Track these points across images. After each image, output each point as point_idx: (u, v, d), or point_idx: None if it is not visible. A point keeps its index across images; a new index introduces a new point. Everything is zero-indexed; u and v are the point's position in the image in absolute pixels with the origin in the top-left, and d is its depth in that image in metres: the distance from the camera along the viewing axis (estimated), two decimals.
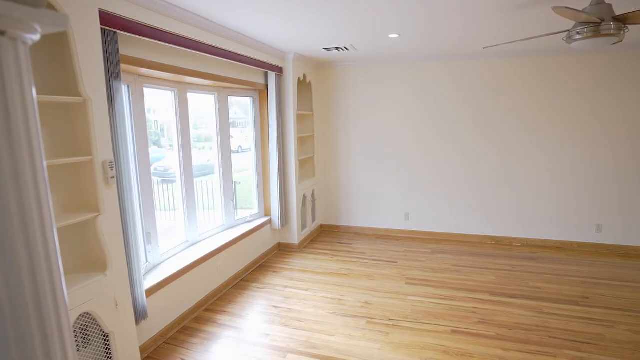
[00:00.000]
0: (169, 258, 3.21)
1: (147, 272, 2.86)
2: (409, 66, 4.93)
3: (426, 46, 4.08)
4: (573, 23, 2.47)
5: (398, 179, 5.22)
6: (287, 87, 4.51)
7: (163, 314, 2.84)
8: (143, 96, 2.91)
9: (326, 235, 5.40)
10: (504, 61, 4.61)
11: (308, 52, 4.39)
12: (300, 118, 4.97)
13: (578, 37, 2.31)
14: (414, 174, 5.15)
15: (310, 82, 5.06)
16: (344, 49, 4.14)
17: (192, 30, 2.87)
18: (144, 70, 2.74)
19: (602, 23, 2.23)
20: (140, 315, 2.30)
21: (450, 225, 5.11)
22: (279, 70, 4.38)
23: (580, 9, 2.17)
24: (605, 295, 3.49)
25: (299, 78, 4.70)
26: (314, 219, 5.40)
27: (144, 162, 2.92)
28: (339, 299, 3.47)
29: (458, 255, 4.51)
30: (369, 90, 5.14)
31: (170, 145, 3.64)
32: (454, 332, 2.91)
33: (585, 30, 2.28)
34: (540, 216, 4.79)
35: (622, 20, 2.24)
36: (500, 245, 4.89)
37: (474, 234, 5.04)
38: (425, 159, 5.07)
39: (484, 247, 4.83)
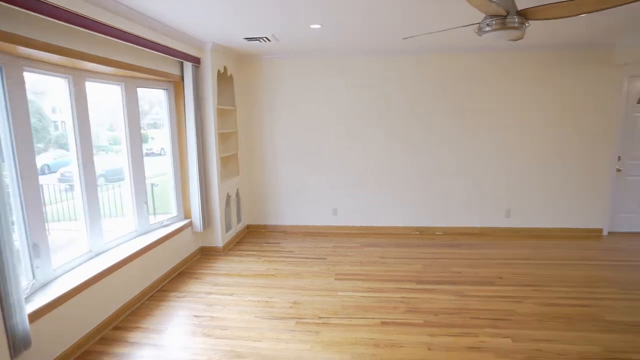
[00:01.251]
0: (66, 272, 2.76)
1: (34, 292, 2.41)
2: (335, 60, 4.90)
3: (351, 39, 4.07)
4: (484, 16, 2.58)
5: (325, 175, 5.18)
6: (205, 80, 4.20)
7: (56, 340, 2.42)
8: (23, 82, 2.44)
9: (253, 236, 5.17)
10: (424, 57, 4.79)
11: (228, 42, 4.13)
12: (221, 113, 4.67)
13: (487, 28, 2.41)
14: (341, 169, 5.14)
15: (231, 75, 4.78)
16: (265, 39, 3.96)
17: (86, 7, 2.48)
18: (23, 50, 2.29)
19: (508, 16, 2.35)
20: (20, 345, 1.89)
21: (378, 218, 5.20)
22: (196, 61, 4.05)
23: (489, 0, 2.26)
24: (515, 274, 3.77)
25: (218, 70, 4.41)
26: (239, 220, 5.14)
27: (28, 163, 2.45)
28: (267, 302, 3.29)
29: (386, 247, 4.59)
30: (295, 85, 5.02)
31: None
32: (383, 323, 2.90)
33: (494, 22, 2.38)
34: (459, 205, 5.08)
35: (524, 15, 2.38)
36: (424, 235, 5.08)
37: (400, 225, 5.19)
38: (352, 154, 5.10)
39: (410, 237, 4.98)
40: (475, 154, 4.96)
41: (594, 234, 5.00)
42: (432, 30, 3.66)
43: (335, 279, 3.71)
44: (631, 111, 4.85)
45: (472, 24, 2.49)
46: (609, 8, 2.00)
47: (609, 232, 5.08)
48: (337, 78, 4.95)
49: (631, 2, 1.90)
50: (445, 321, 2.92)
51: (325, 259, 4.26)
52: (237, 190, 5.04)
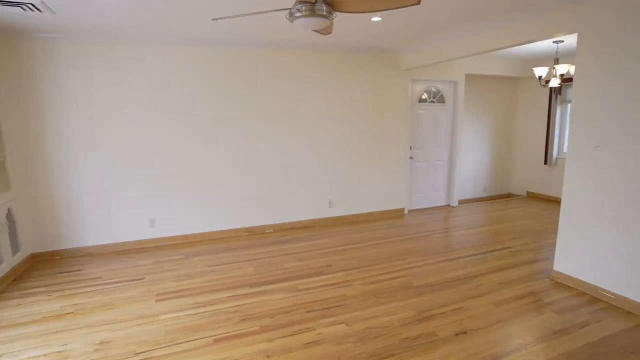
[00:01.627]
0: None
1: None
2: (133, 48, 4.19)
3: (152, 21, 3.50)
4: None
5: (139, 182, 4.42)
6: None
7: None
8: None
9: (42, 267, 3.98)
10: (237, 51, 4.59)
11: None
12: None
13: (298, 14, 2.35)
14: (157, 174, 4.47)
15: None
16: (30, 6, 3.01)
17: None
18: None
19: (317, 3, 2.34)
20: None
21: (203, 223, 4.75)
22: None
23: None
24: (342, 259, 3.98)
25: None
26: (17, 249, 3.88)
27: None
28: (59, 352, 2.49)
29: (214, 254, 4.21)
30: (92, 73, 4.07)
31: None
32: (216, 341, 2.55)
33: (304, 8, 2.34)
34: (286, 201, 5.12)
35: (331, 5, 2.42)
36: (254, 235, 4.92)
37: (229, 228, 4.88)
38: (169, 155, 4.49)
39: (239, 240, 4.73)
40: (298, 151, 5.08)
41: (399, 214, 5.83)
42: (243, 13, 3.49)
43: (157, 301, 3.14)
44: (415, 108, 5.84)
45: (284, 9, 2.40)
46: (409, 6, 2.18)
47: (409, 210, 6.02)
48: (149, 69, 4.26)
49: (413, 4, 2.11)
50: (282, 321, 2.78)
51: (143, 278, 3.59)
52: (9, 210, 3.77)
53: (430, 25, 3.89)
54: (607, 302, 3.03)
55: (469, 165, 6.80)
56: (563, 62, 5.84)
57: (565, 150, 6.46)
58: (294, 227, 5.20)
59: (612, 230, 3.00)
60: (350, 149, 5.37)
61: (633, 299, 2.90)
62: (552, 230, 4.95)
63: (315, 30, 2.91)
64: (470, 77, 6.39)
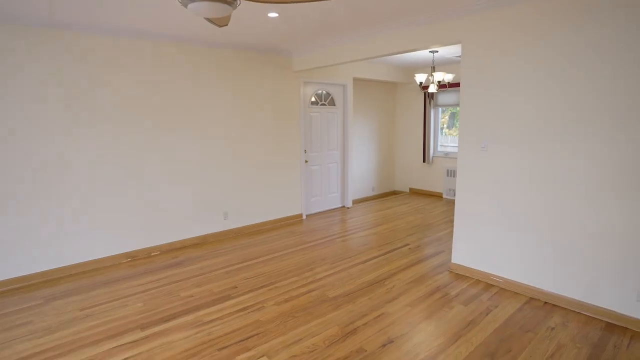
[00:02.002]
0: None
1: None
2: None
3: None
4: None
5: None
6: None
7: None
8: None
9: None
10: (125, 43, 3.78)
11: None
12: None
13: None
14: None
15: None
16: None
17: None
18: None
19: None
20: None
21: (72, 253, 3.80)
22: None
23: None
24: (248, 278, 3.60)
25: None
26: None
27: None
28: None
29: (87, 293, 3.37)
30: None
31: None
32: None
33: None
34: (175, 217, 4.46)
35: None
36: (138, 260, 4.15)
37: (105, 256, 4.00)
38: (28, 169, 3.44)
39: (120, 268, 3.92)
40: (187, 159, 4.47)
41: (297, 220, 5.66)
42: None
43: None
44: (308, 111, 5.75)
45: None
46: (318, 0, 1.95)
47: (307, 215, 5.90)
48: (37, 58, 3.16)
49: None
50: None
51: None
52: None
53: (325, 27, 3.79)
54: (498, 286, 3.34)
55: (359, 166, 7.05)
56: (438, 70, 6.47)
57: (439, 149, 7.20)
58: (185, 245, 4.57)
59: (495, 223, 3.32)
60: (245, 155, 4.98)
61: (516, 280, 3.24)
62: (438, 223, 5.39)
63: (210, 20, 2.50)
64: (356, 82, 6.61)
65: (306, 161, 5.77)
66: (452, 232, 4.91)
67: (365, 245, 4.51)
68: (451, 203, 6.59)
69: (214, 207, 4.77)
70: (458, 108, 6.74)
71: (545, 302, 3.04)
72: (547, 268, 3.04)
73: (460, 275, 3.61)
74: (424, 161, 7.21)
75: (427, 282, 3.47)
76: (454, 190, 6.86)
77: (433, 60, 5.62)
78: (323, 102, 5.94)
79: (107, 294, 3.33)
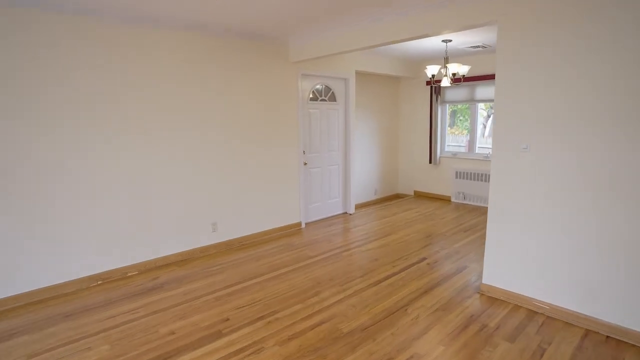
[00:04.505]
0: None
1: None
2: None
3: None
4: None
5: None
6: None
7: None
8: None
9: None
10: (73, 21, 3.13)
11: None
12: None
13: None
14: None
15: None
16: None
17: None
18: None
19: None
20: None
21: (22, 279, 3.14)
22: None
23: None
24: (243, 306, 2.99)
25: None
26: None
27: None
28: None
29: (42, 330, 2.72)
30: None
31: None
32: None
33: None
34: (154, 230, 3.83)
35: None
36: (110, 283, 3.50)
37: (67, 280, 3.35)
38: None
39: (86, 295, 3.27)
40: (168, 164, 3.84)
41: (296, 229, 5.05)
42: None
43: None
44: (306, 107, 5.15)
45: None
46: None
47: (306, 224, 5.30)
48: None
49: None
50: None
51: None
52: None
53: (329, 7, 3.20)
54: (543, 314, 2.79)
55: (360, 167, 6.47)
56: (452, 62, 5.92)
57: (446, 149, 6.67)
58: (167, 263, 3.93)
59: (540, 236, 2.77)
60: (236, 157, 4.36)
61: (567, 308, 2.70)
62: (452, 232, 4.85)
63: None
64: (356, 76, 6.03)
65: (305, 163, 5.18)
66: (470, 242, 4.37)
67: (376, 260, 3.93)
68: (462, 208, 6.07)
69: (201, 217, 4.14)
70: (465, 105, 6.23)
71: (608, 337, 2.50)
72: (608, 294, 2.50)
73: (494, 299, 3.05)
74: (430, 162, 6.66)
75: (456, 308, 2.91)
76: (463, 194, 6.34)
77: (446, 51, 5.07)
78: (323, 98, 5.34)
79: (67, 331, 2.68)
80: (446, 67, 4.69)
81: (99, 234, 3.47)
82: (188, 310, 2.95)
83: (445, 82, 4.80)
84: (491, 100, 5.86)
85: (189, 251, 4.08)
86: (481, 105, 6.16)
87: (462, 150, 6.53)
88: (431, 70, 4.69)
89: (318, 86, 5.25)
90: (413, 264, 3.80)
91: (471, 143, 6.29)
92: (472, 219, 5.45)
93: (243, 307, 2.99)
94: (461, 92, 6.19)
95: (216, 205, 4.25)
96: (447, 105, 6.52)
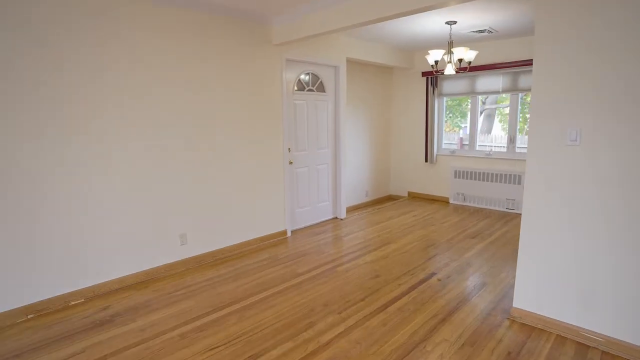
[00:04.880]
0: None
1: None
2: None
3: None
4: None
5: None
6: None
7: None
8: None
9: None
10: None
11: None
12: None
13: None
14: None
15: None
16: None
17: None
18: None
19: None
20: None
21: None
22: None
23: None
24: (216, 346, 2.30)
25: None
26: None
27: None
28: None
29: None
30: None
31: None
32: None
33: None
34: (105, 246, 3.09)
35: None
36: (46, 316, 2.75)
37: None
38: None
39: (12, 335, 2.52)
40: (127, 164, 3.11)
41: (280, 239, 4.39)
42: None
43: None
44: (292, 98, 4.49)
45: None
46: None
47: (292, 232, 4.64)
48: None
49: None
50: None
51: None
52: None
53: None
54: (597, 348, 2.23)
55: (351, 167, 5.86)
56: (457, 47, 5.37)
57: (444, 146, 6.13)
58: (123, 286, 3.20)
59: (590, 252, 2.21)
60: (210, 157, 3.67)
61: (627, 341, 2.15)
62: (458, 239, 4.28)
63: None
64: (347, 65, 5.41)
65: (290, 162, 4.51)
66: (481, 252, 3.80)
67: (377, 277, 3.31)
68: (462, 210, 5.53)
69: (166, 228, 3.43)
70: (455, 100, 5.68)
71: None
72: None
73: (531, 327, 2.48)
74: (426, 160, 6.11)
75: (487, 342, 2.31)
76: (463, 195, 5.81)
77: (450, 34, 4.50)
78: (310, 88, 4.69)
79: None
80: (451, 52, 4.12)
81: (32, 253, 2.72)
82: (144, 355, 2.25)
83: (450, 70, 4.23)
84: (495, 93, 5.35)
85: (152, 270, 3.36)
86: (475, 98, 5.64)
87: (455, 148, 6.00)
88: (434, 55, 4.11)
89: (304, 76, 4.59)
90: (422, 281, 3.20)
91: (471, 139, 5.77)
92: (476, 222, 4.92)
93: (216, 347, 2.31)
94: (460, 83, 5.66)
95: (186, 213, 3.54)
96: (445, 98, 5.98)
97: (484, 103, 5.81)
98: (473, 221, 5.00)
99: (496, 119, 5.90)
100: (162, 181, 3.34)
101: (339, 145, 5.07)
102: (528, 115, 5.12)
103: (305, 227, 4.82)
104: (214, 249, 3.80)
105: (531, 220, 2.44)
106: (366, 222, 5.05)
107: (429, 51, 4.10)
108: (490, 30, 4.52)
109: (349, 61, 5.34)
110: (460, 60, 4.08)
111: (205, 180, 3.65)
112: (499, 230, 4.57)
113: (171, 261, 3.48)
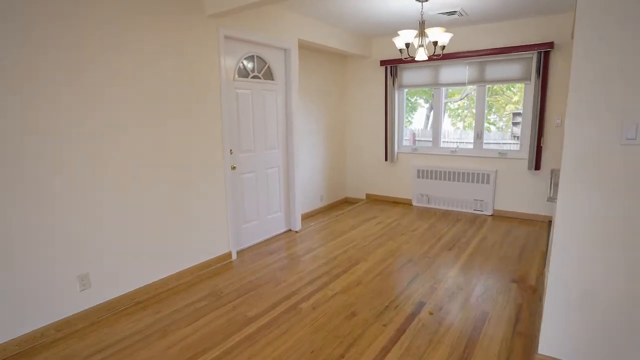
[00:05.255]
0: None
1: None
2: None
3: None
4: None
5: None
6: None
7: None
8: None
9: None
10: None
11: None
12: None
13: None
14: None
15: None
16: None
17: None
18: None
19: None
20: None
21: None
22: None
23: None
24: None
25: None
26: None
27: None
28: None
29: None
30: None
31: None
32: None
33: None
34: None
35: None
36: None
37: None
38: None
39: None
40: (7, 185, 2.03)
41: (224, 264, 3.48)
42: None
43: None
44: (233, 87, 3.58)
45: None
46: None
47: (238, 252, 3.75)
48: None
49: None
50: None
51: None
52: None
53: None
54: None
55: (304, 168, 5.08)
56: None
57: (405, 143, 5.58)
58: None
59: None
60: (123, 166, 2.66)
61: None
62: (435, 250, 3.70)
63: None
64: (298, 50, 4.60)
65: (233, 167, 3.62)
66: (465, 268, 3.21)
67: (354, 315, 2.58)
68: (428, 213, 5.02)
69: (61, 271, 2.38)
70: (429, 90, 5.15)
71: None
72: None
73: None
74: (386, 159, 5.52)
75: None
76: (427, 196, 5.31)
77: (422, 13, 3.88)
78: (256, 74, 3.82)
79: None
80: (424, 34, 3.50)
81: None
82: None
83: (422, 55, 3.61)
84: (460, 84, 4.88)
85: (33, 334, 2.30)
86: (409, 96, 5.15)
87: (408, 144, 5.51)
88: (405, 37, 3.45)
89: (248, 60, 3.70)
90: (411, 317, 2.53)
91: (435, 135, 5.27)
92: (448, 229, 4.41)
93: None
94: (422, 74, 5.12)
95: (87, 245, 2.52)
96: (405, 90, 5.42)
97: (432, 97, 5.34)
98: (444, 227, 4.48)
99: (445, 114, 5.47)
100: (50, 198, 2.29)
101: (292, 143, 4.26)
102: (474, 111, 4.80)
103: (254, 245, 3.95)
104: (132, 289, 2.80)
105: (564, 240, 1.85)
106: (326, 234, 4.31)
107: (399, 32, 3.43)
108: (461, 12, 3.98)
109: (301, 46, 4.54)
110: (435, 44, 3.46)
111: (115, 199, 2.64)
112: (474, 238, 4.09)
113: (65, 316, 2.45)
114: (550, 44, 4.15)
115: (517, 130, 5.29)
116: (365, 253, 3.69)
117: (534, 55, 4.31)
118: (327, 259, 3.56)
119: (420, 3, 3.64)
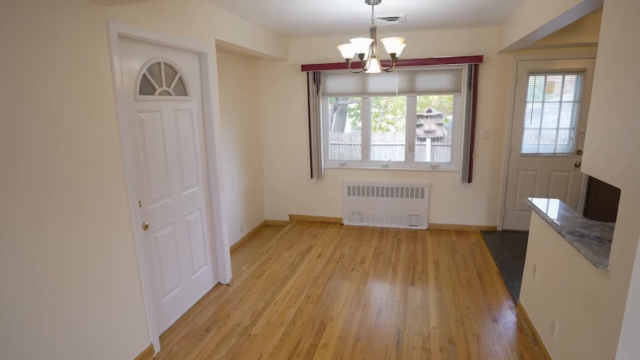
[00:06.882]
0: None
1: None
2: None
3: None
4: None
5: None
6: None
7: None
8: None
9: None
10: None
11: None
12: None
13: None
14: None
15: None
16: None
17: None
18: None
19: None
20: None
21: None
22: None
23: None
24: None
25: None
26: None
27: None
28: None
29: None
30: None
31: None
32: None
33: None
34: None
35: None
36: None
37: None
38: None
39: None
40: None
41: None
42: None
43: None
44: (133, 109, 2.46)
45: None
46: None
47: (162, 336, 2.69)
48: None
49: None
50: None
51: None
52: None
53: None
54: None
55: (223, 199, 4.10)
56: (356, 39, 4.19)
57: (331, 157, 5.03)
58: None
59: None
60: None
61: None
62: (399, 287, 3.28)
63: None
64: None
65: (145, 226, 2.52)
66: (438, 305, 2.82)
67: None
68: (365, 233, 4.62)
69: None
70: (356, 98, 4.69)
71: None
72: None
73: None
74: (311, 176, 4.91)
75: None
76: (359, 214, 4.91)
77: (372, 18, 3.30)
78: (165, 88, 2.73)
79: None
80: (376, 43, 2.96)
81: None
82: None
83: (374, 68, 3.08)
84: (390, 94, 4.53)
85: None
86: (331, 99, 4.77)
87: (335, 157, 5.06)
88: (356, 45, 2.85)
89: (153, 69, 2.60)
90: None
91: (364, 149, 4.86)
92: (394, 251, 4.07)
93: None
94: (349, 81, 4.63)
95: None
96: (329, 98, 4.86)
97: (337, 99, 4.95)
98: (388, 249, 4.14)
99: (347, 116, 5.16)
100: None
101: (215, 176, 3.29)
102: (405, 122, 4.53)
103: (180, 319, 2.92)
104: None
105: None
106: (265, 283, 3.51)
107: (351, 40, 2.81)
108: (404, 19, 3.56)
109: (219, 47, 3.54)
110: (393, 56, 2.95)
111: None
112: (427, 263, 3.82)
113: None
114: (480, 58, 4.08)
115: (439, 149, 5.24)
116: (325, 308, 3.05)
117: (463, 68, 4.21)
118: (285, 327, 2.81)
119: (371, 5, 3.08)
